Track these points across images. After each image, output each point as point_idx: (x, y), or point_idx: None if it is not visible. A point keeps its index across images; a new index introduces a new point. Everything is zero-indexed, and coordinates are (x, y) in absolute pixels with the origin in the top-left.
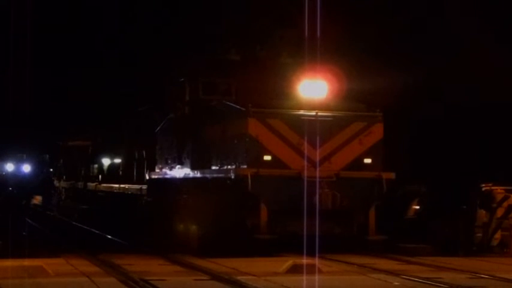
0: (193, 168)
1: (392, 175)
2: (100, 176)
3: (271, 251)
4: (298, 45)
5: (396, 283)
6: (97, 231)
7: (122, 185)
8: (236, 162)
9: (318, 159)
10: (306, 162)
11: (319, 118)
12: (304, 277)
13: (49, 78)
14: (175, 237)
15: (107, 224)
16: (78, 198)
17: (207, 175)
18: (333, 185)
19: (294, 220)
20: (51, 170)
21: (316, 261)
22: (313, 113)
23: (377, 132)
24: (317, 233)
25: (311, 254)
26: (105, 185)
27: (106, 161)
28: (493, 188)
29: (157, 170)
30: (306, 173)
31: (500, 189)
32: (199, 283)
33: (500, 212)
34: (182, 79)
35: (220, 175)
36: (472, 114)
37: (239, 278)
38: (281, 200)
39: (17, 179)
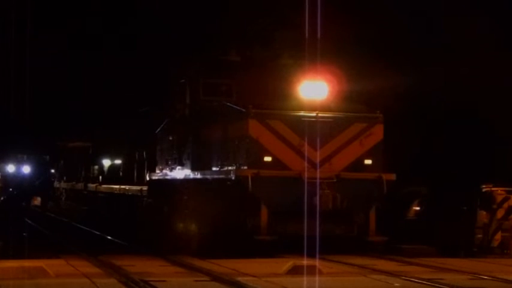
0: (193, 169)
1: (392, 176)
2: (100, 177)
3: (271, 252)
4: (298, 46)
5: (397, 284)
6: (97, 232)
7: (122, 186)
8: (236, 163)
9: (318, 160)
10: (306, 164)
11: (320, 119)
12: (305, 278)
13: (49, 79)
14: (175, 238)
15: (107, 225)
16: (79, 199)
17: (208, 176)
18: (334, 186)
19: (294, 221)
20: (52, 171)
21: (317, 262)
22: (313, 114)
23: (377, 133)
24: (317, 234)
25: (311, 255)
26: (105, 186)
27: (106, 162)
28: (493, 189)
29: (157, 171)
30: (306, 174)
31: (501, 190)
32: (200, 284)
33: (500, 213)
34: (183, 80)
35: (220, 176)
36: (473, 115)
37: (239, 279)
38: (281, 201)
39: (18, 180)
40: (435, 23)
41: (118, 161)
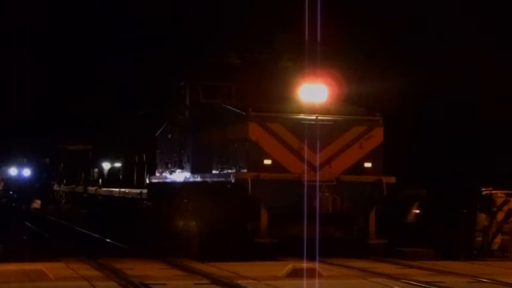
0: (193, 172)
1: (392, 179)
2: (100, 180)
3: (271, 255)
4: (298, 49)
5: (396, 287)
6: (97, 235)
7: (122, 189)
8: (236, 166)
9: (318, 163)
10: (306, 166)
11: (320, 122)
12: (305, 281)
13: (49, 81)
14: (175, 241)
15: (107, 228)
16: (78, 202)
17: (207, 179)
18: (333, 189)
19: (294, 224)
20: (52, 173)
21: (317, 265)
22: (313, 117)
23: (377, 136)
24: (317, 237)
25: (311, 258)
26: (105, 189)
27: (106, 165)
28: (493, 192)
29: (157, 174)
30: (306, 177)
31: (501, 193)
32: (200, 287)
33: (500, 216)
34: (183, 83)
35: (220, 179)
36: (473, 118)
37: (239, 282)
38: (281, 204)
39: (18, 183)
40: (434, 23)
41: (118, 164)
